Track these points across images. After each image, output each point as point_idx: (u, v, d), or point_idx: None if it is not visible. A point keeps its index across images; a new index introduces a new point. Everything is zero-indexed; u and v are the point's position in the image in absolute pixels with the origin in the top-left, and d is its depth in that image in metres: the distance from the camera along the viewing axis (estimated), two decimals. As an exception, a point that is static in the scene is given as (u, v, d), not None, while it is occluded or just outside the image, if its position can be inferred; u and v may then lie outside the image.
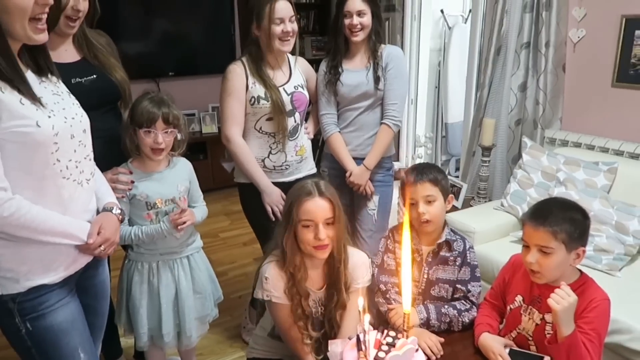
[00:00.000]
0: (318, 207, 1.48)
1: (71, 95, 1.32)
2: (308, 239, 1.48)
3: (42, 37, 1.16)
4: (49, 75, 1.27)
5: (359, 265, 1.60)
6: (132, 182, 1.73)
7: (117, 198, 1.67)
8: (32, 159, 1.15)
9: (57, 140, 1.18)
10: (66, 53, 1.68)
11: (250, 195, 2.08)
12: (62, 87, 1.31)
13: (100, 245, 1.30)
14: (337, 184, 2.30)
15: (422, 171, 1.62)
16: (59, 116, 1.20)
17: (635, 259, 2.19)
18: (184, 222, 1.73)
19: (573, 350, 1.25)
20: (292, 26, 1.99)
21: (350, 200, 2.42)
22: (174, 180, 1.80)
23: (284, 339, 1.59)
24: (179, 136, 1.78)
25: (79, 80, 1.67)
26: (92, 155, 1.35)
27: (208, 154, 4.52)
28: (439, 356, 1.45)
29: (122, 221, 1.43)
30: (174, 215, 1.72)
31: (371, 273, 1.64)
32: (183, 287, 1.83)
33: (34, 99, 1.15)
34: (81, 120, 1.29)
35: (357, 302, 1.47)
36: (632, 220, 2.18)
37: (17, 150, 1.12)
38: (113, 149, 1.73)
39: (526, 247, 1.39)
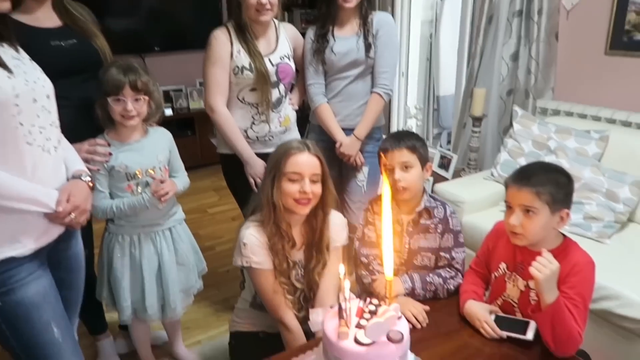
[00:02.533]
0: (306, 162, 1.49)
1: (33, 62, 1.28)
2: (292, 191, 1.48)
3: (3, 6, 1.13)
4: (9, 44, 1.22)
5: (336, 224, 1.62)
6: (110, 153, 1.68)
7: (94, 171, 1.64)
8: None
9: (19, 102, 1.13)
10: (45, 18, 1.62)
11: (233, 166, 2.04)
12: (24, 54, 1.27)
13: (70, 213, 1.25)
14: (326, 156, 2.25)
15: (399, 138, 1.59)
16: (19, 78, 1.16)
17: (625, 226, 2.18)
18: (166, 193, 1.69)
19: (557, 316, 1.23)
20: None
21: (339, 171, 2.38)
22: (153, 150, 1.75)
23: (266, 303, 1.57)
24: (152, 105, 1.72)
25: (59, 43, 1.62)
26: (58, 123, 1.30)
27: (196, 130, 4.45)
28: (424, 324, 1.43)
29: (92, 188, 1.39)
30: (155, 186, 1.68)
31: (347, 232, 1.65)
32: (166, 259, 1.80)
33: None
34: (44, 85, 1.24)
35: (336, 261, 1.48)
36: (623, 187, 2.15)
37: None
38: (91, 119, 1.67)
39: (509, 209, 1.36)
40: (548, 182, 1.30)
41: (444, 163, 3.04)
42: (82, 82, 1.67)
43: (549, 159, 2.35)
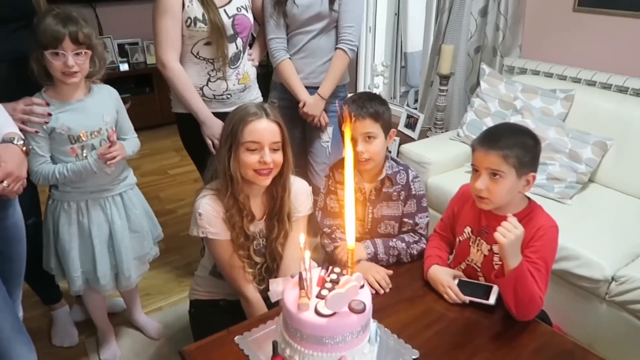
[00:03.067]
0: (265, 129, 1.39)
1: None
2: (251, 162, 1.38)
3: None
4: None
5: (300, 193, 1.54)
6: (49, 114, 1.53)
7: (32, 133, 1.50)
8: None
9: None
10: None
11: (189, 126, 1.92)
12: None
13: (2, 182, 1.13)
14: (289, 116, 2.20)
15: (362, 104, 1.48)
16: None
17: (586, 186, 2.20)
18: (114, 157, 1.57)
19: (519, 281, 1.22)
20: None
21: (302, 132, 2.31)
22: (98, 110, 1.61)
23: (225, 275, 1.52)
24: (96, 60, 1.57)
25: None
26: None
27: (154, 87, 4.22)
28: (387, 290, 1.40)
29: (27, 153, 1.26)
30: (102, 150, 1.56)
31: (312, 201, 1.58)
32: (117, 226, 1.70)
33: None
34: None
35: (299, 232, 1.41)
36: (586, 148, 2.16)
37: None
38: (25, 75, 1.51)
39: (475, 172, 1.32)
40: (515, 145, 1.26)
41: (411, 123, 2.99)
42: (12, 32, 1.51)
43: (515, 118, 2.32)
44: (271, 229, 1.51)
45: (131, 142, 1.72)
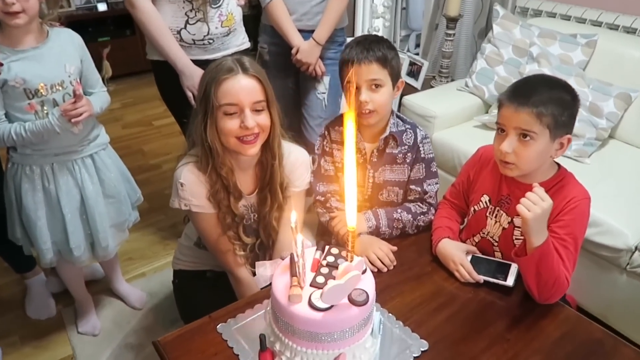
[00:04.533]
0: (243, 88, 1.17)
1: None
2: (231, 128, 1.18)
3: None
4: None
5: (298, 165, 1.34)
6: (0, 63, 1.31)
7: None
8: None
9: None
10: None
11: (167, 76, 1.69)
12: None
13: None
14: (281, 63, 2.01)
15: (368, 47, 1.25)
16: None
17: (605, 143, 2.01)
18: (80, 114, 1.36)
19: (544, 261, 1.06)
20: None
21: (296, 82, 2.10)
22: (58, 58, 1.39)
23: (212, 252, 1.36)
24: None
25: None
26: None
27: (137, 29, 3.90)
28: (391, 268, 1.24)
29: None
30: (65, 106, 1.35)
31: (311, 172, 1.39)
32: (89, 191, 1.52)
33: None
34: None
35: (296, 207, 1.23)
36: (607, 101, 1.96)
37: None
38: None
39: (501, 133, 1.13)
40: (551, 102, 1.06)
41: (413, 70, 2.74)
42: None
43: (530, 67, 2.10)
44: (263, 201, 1.32)
45: (99, 97, 1.50)
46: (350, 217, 0.89)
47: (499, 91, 2.20)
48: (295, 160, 1.33)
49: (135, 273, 2.05)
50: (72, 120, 1.36)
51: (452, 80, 2.65)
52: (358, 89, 1.26)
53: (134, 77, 3.78)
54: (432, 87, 2.61)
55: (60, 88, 1.39)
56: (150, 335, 1.74)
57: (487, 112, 2.26)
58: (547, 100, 1.06)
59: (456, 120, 2.22)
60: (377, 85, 1.27)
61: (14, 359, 1.68)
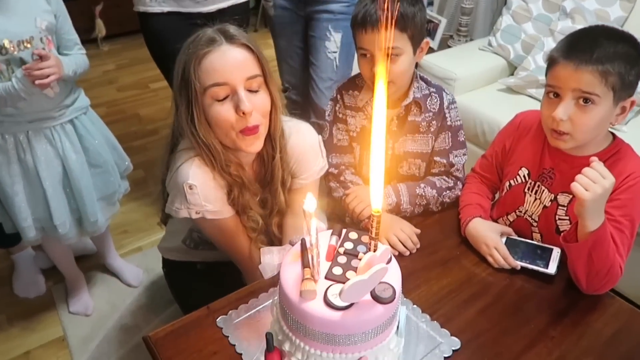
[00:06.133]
0: (230, 61, 0.94)
1: None
2: (226, 117, 0.95)
3: None
4: None
5: (306, 149, 1.10)
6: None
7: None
8: None
9: None
10: None
11: (154, 30, 1.51)
12: None
13: None
14: (287, 19, 1.84)
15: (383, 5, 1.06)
16: None
17: (643, 109, 1.83)
18: (46, 76, 1.18)
19: (598, 247, 0.91)
20: None
21: (304, 40, 1.90)
22: (26, 11, 1.21)
23: (228, 253, 1.15)
24: None
25: None
26: None
27: (130, -15, 3.66)
28: (414, 251, 1.09)
29: None
30: (29, 65, 1.17)
31: (323, 155, 1.15)
32: (72, 162, 1.36)
33: None
34: None
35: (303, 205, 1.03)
36: (649, 62, 1.76)
37: None
38: None
39: (553, 96, 0.95)
40: (617, 58, 0.89)
41: (429, 29, 2.52)
42: None
43: (563, 24, 1.90)
44: (262, 204, 1.11)
45: (74, 59, 1.32)
46: (376, 198, 0.73)
47: (526, 51, 2.01)
48: (301, 141, 1.10)
49: (130, 247, 1.91)
50: (37, 82, 1.18)
51: (471, 39, 2.44)
52: (372, 57, 1.08)
53: (129, 37, 3.54)
54: (449, 47, 2.40)
55: (29, 45, 1.21)
56: (147, 316, 1.62)
57: (512, 74, 2.07)
58: (612, 55, 0.89)
59: (478, 83, 2.04)
60: (395, 54, 1.08)
61: (1, 341, 1.56)
